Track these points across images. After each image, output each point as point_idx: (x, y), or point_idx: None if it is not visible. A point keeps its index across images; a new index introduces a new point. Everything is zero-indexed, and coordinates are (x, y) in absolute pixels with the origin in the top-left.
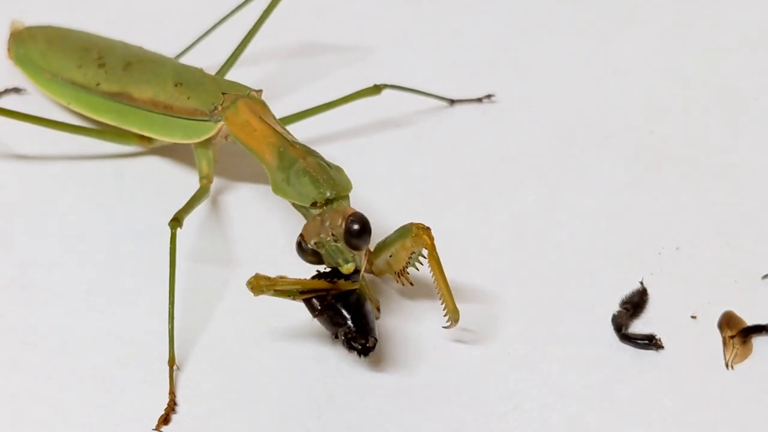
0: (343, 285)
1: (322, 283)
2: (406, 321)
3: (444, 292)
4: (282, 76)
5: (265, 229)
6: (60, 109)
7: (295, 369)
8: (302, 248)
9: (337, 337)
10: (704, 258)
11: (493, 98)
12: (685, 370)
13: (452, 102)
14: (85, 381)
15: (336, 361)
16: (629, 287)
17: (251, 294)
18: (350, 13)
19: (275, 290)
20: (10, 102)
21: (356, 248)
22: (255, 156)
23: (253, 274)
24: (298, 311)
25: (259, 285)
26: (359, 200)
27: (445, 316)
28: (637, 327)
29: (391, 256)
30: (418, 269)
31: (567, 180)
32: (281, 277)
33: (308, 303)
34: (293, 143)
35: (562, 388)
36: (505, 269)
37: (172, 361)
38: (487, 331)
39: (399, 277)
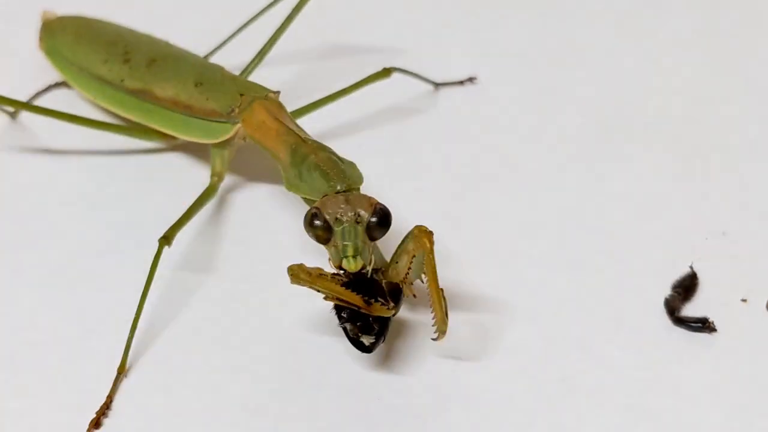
0: (378, 310)
1: (359, 301)
2: (412, 320)
3: (435, 300)
4: (308, 75)
5: (272, 228)
6: (87, 102)
7: (295, 369)
8: (316, 219)
9: (344, 327)
10: (750, 242)
11: (475, 81)
12: (738, 352)
13: (437, 85)
14: (85, 381)
15: (337, 361)
16: (678, 272)
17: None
18: (379, 13)
19: (310, 286)
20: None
21: (373, 238)
22: (270, 155)
23: (297, 263)
24: (302, 308)
25: (298, 276)
26: (387, 191)
27: (433, 326)
28: (689, 311)
29: (397, 262)
30: (423, 281)
31: (611, 167)
32: (321, 274)
33: (337, 310)
34: (306, 140)
35: (617, 369)
36: (556, 255)
37: (122, 368)
38: (543, 314)
39: (403, 285)
